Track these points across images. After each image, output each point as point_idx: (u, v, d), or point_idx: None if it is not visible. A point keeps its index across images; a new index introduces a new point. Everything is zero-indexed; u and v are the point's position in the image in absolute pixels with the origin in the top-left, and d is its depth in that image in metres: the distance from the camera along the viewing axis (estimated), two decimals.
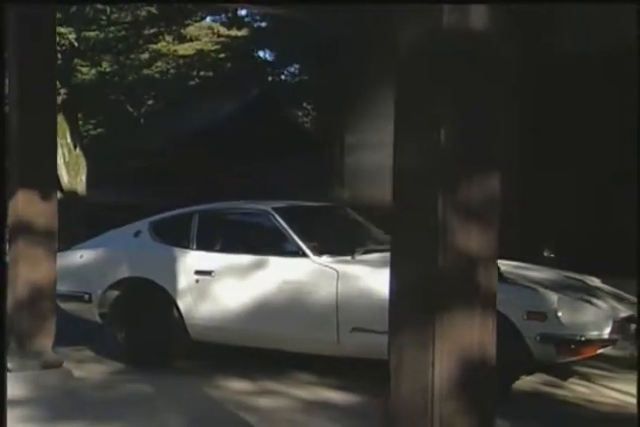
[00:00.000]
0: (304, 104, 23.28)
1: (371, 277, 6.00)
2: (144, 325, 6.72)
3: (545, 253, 7.16)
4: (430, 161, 2.78)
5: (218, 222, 6.99)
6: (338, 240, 6.85)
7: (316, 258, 6.23)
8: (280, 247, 6.40)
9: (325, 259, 6.23)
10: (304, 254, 6.26)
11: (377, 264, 6.23)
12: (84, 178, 18.70)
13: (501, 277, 5.21)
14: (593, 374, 6.42)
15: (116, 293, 6.88)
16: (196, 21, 21.59)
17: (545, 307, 5.48)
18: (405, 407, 2.88)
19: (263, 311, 6.26)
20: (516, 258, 6.43)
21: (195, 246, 6.75)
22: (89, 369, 6.60)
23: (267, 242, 6.59)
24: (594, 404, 5.72)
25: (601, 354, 5.89)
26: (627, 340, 5.82)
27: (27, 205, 6.18)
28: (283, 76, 22.48)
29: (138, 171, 19.27)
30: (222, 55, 20.98)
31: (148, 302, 6.72)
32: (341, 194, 12.85)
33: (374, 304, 5.89)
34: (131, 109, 23.98)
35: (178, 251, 6.76)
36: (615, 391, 5.99)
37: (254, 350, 6.57)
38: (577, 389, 6.11)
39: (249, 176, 16.60)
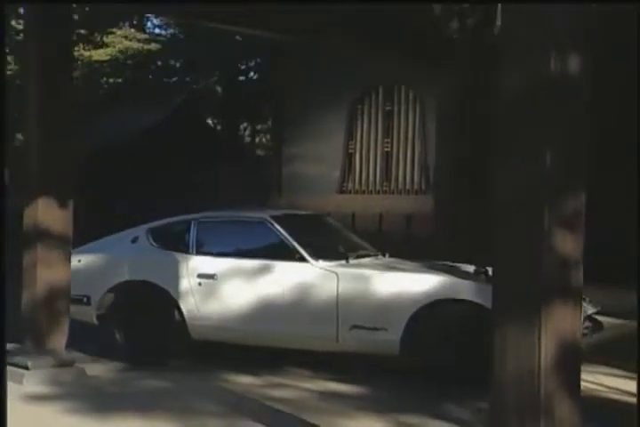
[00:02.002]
0: (217, 114, 23.63)
1: (367, 279, 6.63)
2: (146, 325, 7.10)
3: None
4: (538, 181, 3.45)
5: (217, 229, 7.42)
6: (329, 246, 7.42)
7: (315, 262, 6.77)
8: (280, 252, 6.90)
9: (323, 263, 6.78)
10: (303, 259, 6.79)
11: (371, 267, 6.89)
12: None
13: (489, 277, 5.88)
14: None
15: (116, 295, 7.23)
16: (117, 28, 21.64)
17: None
18: (512, 384, 3.51)
19: (267, 311, 6.76)
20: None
21: (195, 251, 7.17)
22: (94, 368, 6.87)
23: (266, 247, 7.10)
24: None
25: None
26: (588, 334, 6.60)
27: (45, 212, 6.43)
28: (196, 86, 22.71)
29: None
30: (135, 60, 21.12)
31: (151, 304, 7.10)
32: (278, 201, 13.44)
33: (371, 304, 6.54)
34: None
35: (178, 255, 7.18)
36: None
37: (239, 347, 7.00)
38: None
39: (176, 184, 16.82)
